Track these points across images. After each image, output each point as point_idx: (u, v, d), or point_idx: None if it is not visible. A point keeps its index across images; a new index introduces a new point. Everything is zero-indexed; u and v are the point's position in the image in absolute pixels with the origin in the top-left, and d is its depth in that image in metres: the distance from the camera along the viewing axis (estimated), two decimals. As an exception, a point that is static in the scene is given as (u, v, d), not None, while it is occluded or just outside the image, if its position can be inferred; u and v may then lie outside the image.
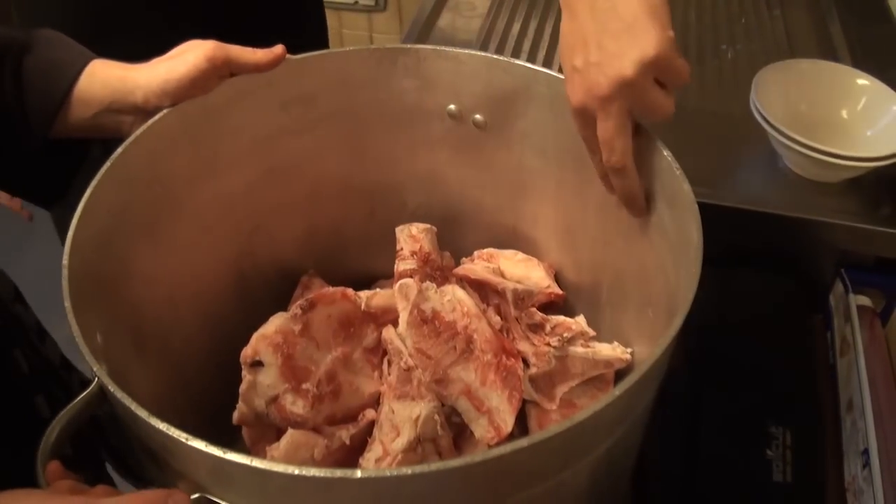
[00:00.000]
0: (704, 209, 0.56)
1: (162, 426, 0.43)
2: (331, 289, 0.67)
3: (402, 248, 0.79)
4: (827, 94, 0.92)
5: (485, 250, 0.79)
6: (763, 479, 0.69)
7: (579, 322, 0.70)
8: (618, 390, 0.44)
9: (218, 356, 0.69)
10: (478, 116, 0.73)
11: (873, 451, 0.66)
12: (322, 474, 0.40)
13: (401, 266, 0.77)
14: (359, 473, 0.40)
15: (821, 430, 0.75)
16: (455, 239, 0.81)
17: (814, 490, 0.69)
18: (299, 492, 0.42)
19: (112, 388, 0.46)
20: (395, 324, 0.67)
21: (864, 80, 0.92)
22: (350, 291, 0.67)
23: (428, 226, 0.79)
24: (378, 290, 0.69)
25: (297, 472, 0.40)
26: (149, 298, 0.65)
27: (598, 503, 0.55)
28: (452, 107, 0.73)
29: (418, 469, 0.40)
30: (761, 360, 0.79)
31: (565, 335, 0.67)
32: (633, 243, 0.66)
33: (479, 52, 0.69)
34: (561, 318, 0.70)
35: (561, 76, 0.66)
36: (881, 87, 0.90)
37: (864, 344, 0.75)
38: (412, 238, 0.79)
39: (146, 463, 0.51)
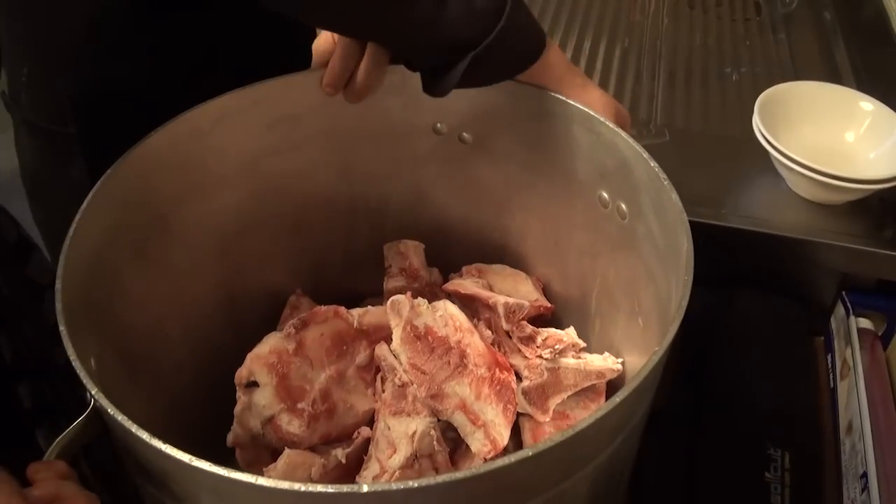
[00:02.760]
0: (707, 230, 0.56)
1: (164, 448, 0.43)
2: (323, 307, 0.66)
3: (390, 266, 0.79)
4: (830, 117, 0.93)
5: (473, 266, 0.79)
6: (761, 503, 0.69)
7: (570, 334, 0.71)
8: (618, 397, 0.45)
9: (208, 379, 0.69)
10: (464, 133, 0.73)
11: (872, 474, 0.66)
12: (329, 490, 0.40)
13: (390, 283, 0.77)
14: (365, 488, 0.40)
15: (820, 452, 0.75)
16: (442, 255, 0.81)
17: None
18: (305, 509, 0.42)
19: (112, 410, 0.45)
20: (387, 340, 0.67)
21: (867, 104, 0.92)
22: (342, 309, 0.67)
23: (416, 242, 0.80)
24: (370, 307, 0.69)
25: (302, 488, 0.40)
26: (139, 321, 0.65)
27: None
28: (438, 124, 0.73)
29: (424, 482, 0.40)
30: (761, 382, 0.79)
31: (557, 347, 0.67)
32: (620, 254, 0.67)
33: (463, 69, 0.70)
34: (552, 330, 0.70)
35: (546, 90, 0.67)
36: (885, 111, 0.91)
37: (864, 367, 0.76)
38: (400, 255, 0.79)
39: (146, 487, 0.50)
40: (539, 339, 0.68)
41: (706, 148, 0.99)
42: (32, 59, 0.79)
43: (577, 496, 0.50)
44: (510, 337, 0.69)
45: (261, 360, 0.62)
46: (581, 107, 0.65)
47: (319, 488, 0.40)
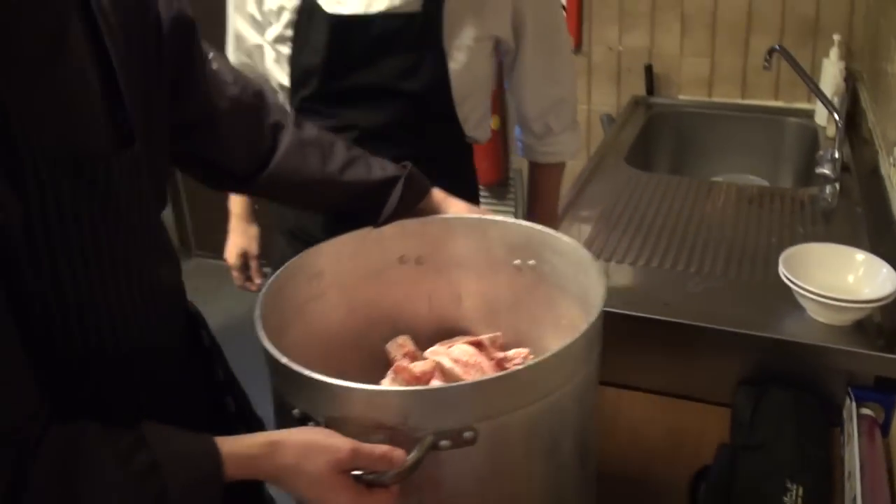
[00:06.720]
0: (751, 343, 1.07)
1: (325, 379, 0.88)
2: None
3: (394, 356, 1.24)
4: (835, 266, 1.27)
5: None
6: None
7: (522, 351, 1.19)
8: (578, 333, 0.92)
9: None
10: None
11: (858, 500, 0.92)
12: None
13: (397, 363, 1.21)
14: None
15: (829, 489, 1.03)
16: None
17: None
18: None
19: (284, 360, 0.87)
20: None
21: (861, 255, 1.27)
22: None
23: (406, 336, 1.26)
24: (418, 362, 1.14)
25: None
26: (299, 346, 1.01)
27: (582, 429, 0.98)
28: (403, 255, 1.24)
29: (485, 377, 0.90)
30: (786, 453, 1.07)
31: (521, 358, 1.15)
32: (538, 290, 1.18)
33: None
34: (517, 350, 1.18)
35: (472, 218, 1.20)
36: (874, 259, 1.25)
37: (859, 440, 1.01)
38: (400, 346, 1.24)
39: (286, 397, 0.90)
40: (510, 356, 1.16)
41: (737, 290, 1.39)
42: None
43: (566, 408, 0.92)
44: (492, 361, 1.17)
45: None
46: (492, 218, 1.19)
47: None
